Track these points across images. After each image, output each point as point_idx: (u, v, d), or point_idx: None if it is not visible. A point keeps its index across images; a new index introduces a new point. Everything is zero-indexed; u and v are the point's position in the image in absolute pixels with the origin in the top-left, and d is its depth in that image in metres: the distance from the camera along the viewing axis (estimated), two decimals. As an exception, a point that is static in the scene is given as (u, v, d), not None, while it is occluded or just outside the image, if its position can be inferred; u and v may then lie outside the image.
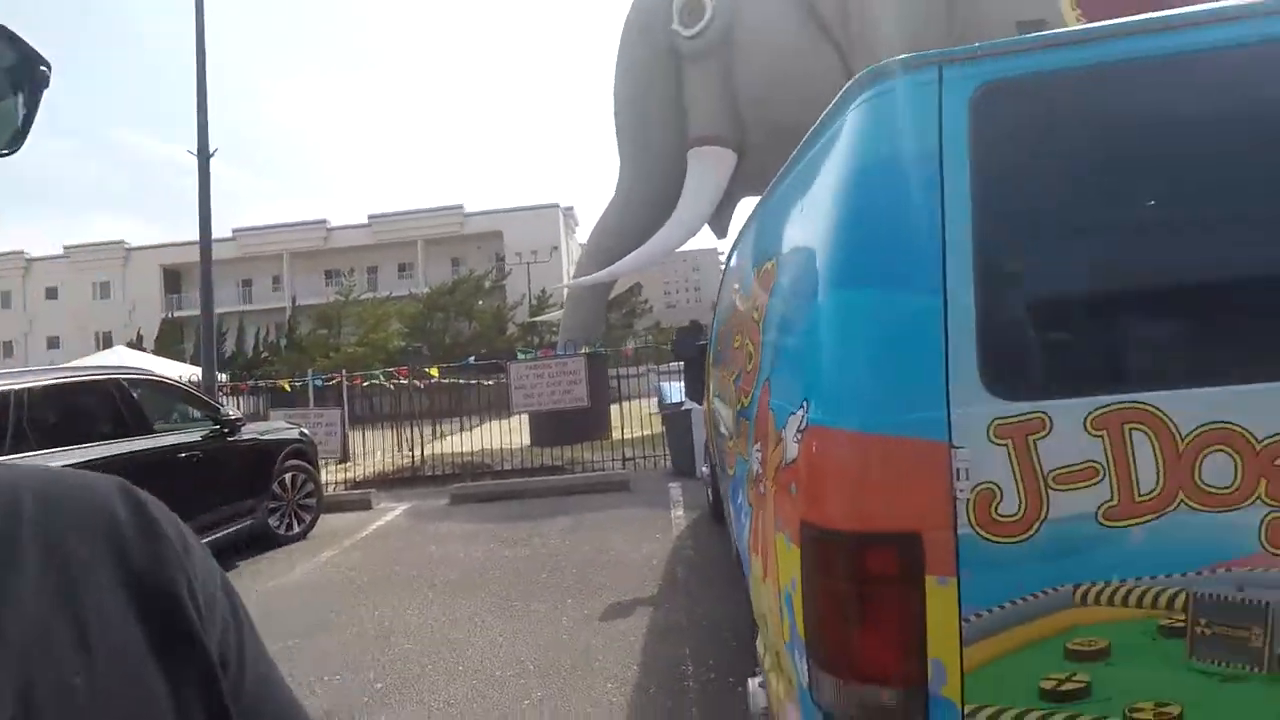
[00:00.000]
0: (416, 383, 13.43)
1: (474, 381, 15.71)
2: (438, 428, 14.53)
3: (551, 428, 11.70)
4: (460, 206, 44.67)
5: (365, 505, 8.82)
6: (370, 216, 44.56)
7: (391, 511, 8.47)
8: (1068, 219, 1.38)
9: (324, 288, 41.18)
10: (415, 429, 12.24)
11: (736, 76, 13.15)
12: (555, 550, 6.19)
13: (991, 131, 1.39)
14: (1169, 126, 1.40)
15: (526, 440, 12.57)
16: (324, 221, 45.02)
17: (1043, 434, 1.29)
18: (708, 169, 13.50)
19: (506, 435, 12.08)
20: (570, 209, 48.01)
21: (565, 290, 16.26)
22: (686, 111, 13.57)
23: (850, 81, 1.58)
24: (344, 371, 12.28)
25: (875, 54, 12.40)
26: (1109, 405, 1.28)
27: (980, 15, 12.26)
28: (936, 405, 1.31)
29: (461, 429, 14.66)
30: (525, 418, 12.28)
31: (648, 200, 13.66)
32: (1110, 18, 1.43)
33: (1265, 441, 1.24)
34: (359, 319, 31.77)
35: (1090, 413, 1.28)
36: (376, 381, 12.81)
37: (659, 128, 13.74)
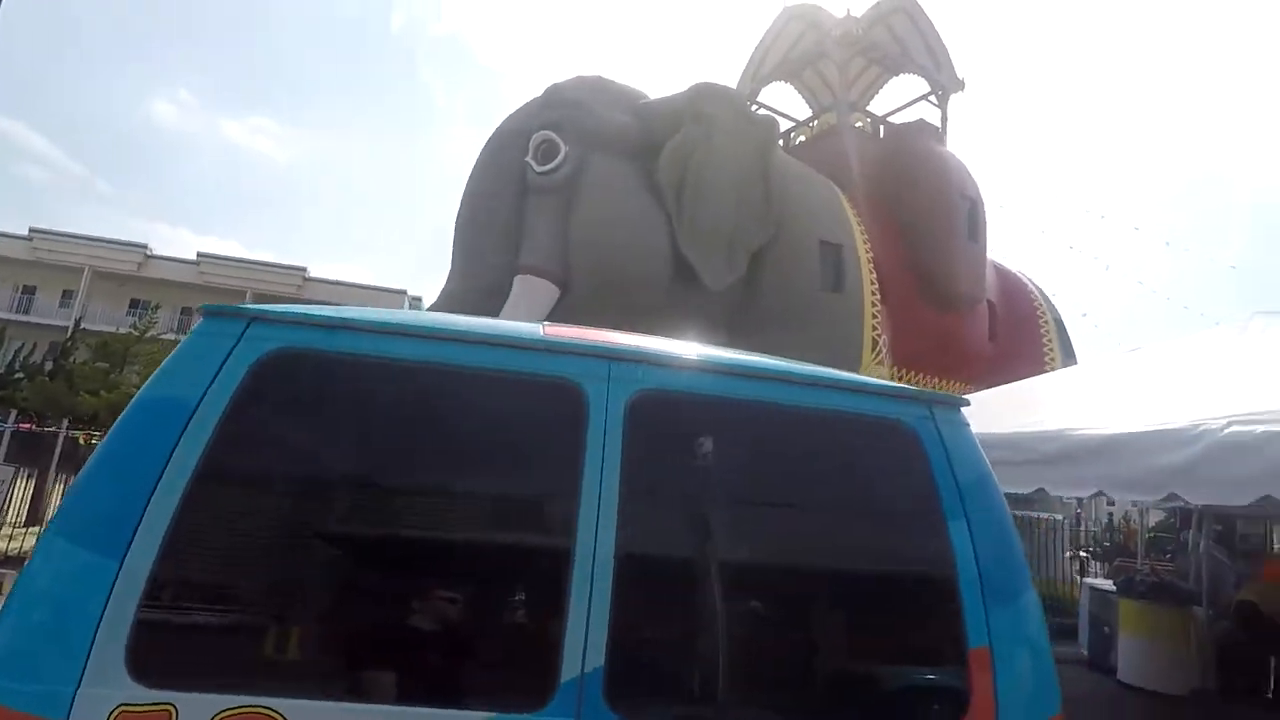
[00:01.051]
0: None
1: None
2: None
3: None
4: (304, 269, 42.61)
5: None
6: (200, 254, 41.43)
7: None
8: (262, 517, 1.39)
9: (125, 317, 37.07)
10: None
11: (573, 217, 13.90)
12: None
13: (256, 400, 1.39)
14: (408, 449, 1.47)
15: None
16: (145, 246, 41.23)
17: (165, 727, 1.22)
18: (528, 296, 13.90)
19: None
20: (419, 299, 46.99)
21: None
22: (523, 238, 14.06)
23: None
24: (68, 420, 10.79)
25: (699, 228, 13.88)
26: (237, 707, 1.24)
27: (788, 224, 13.85)
28: (67, 680, 1.22)
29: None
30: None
31: (469, 308, 13.71)
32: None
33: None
34: (151, 359, 28.69)
35: (219, 711, 1.24)
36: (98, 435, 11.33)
37: (495, 243, 14.08)
